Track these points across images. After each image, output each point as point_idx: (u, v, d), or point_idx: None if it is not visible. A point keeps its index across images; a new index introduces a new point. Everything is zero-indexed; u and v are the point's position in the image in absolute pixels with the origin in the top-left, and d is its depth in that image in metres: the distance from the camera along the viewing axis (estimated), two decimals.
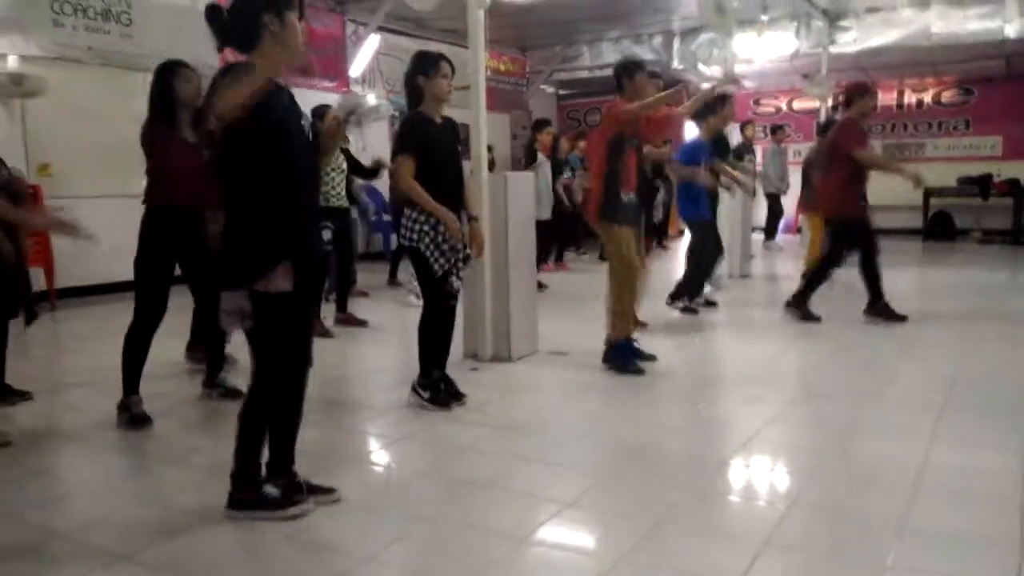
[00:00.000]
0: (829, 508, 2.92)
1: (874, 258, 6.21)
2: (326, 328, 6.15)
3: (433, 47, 12.48)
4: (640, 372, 4.79)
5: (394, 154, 3.99)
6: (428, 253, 3.96)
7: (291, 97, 2.81)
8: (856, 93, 6.32)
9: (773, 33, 11.00)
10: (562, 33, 13.18)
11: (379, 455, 3.73)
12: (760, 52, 10.85)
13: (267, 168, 2.66)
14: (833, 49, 11.71)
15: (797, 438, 3.78)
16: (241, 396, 3.95)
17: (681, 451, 3.62)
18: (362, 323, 6.48)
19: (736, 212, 8.88)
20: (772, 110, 15.79)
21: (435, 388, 4.20)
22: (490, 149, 9.86)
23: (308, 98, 8.96)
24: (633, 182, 4.86)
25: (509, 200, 5.13)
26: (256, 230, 2.69)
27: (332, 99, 10.68)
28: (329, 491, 3.01)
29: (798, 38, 12.00)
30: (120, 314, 4.19)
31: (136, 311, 3.95)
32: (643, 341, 5.10)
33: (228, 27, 2.66)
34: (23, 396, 4.37)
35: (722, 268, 7.83)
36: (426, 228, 3.94)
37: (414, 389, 4.22)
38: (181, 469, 3.43)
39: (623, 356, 4.85)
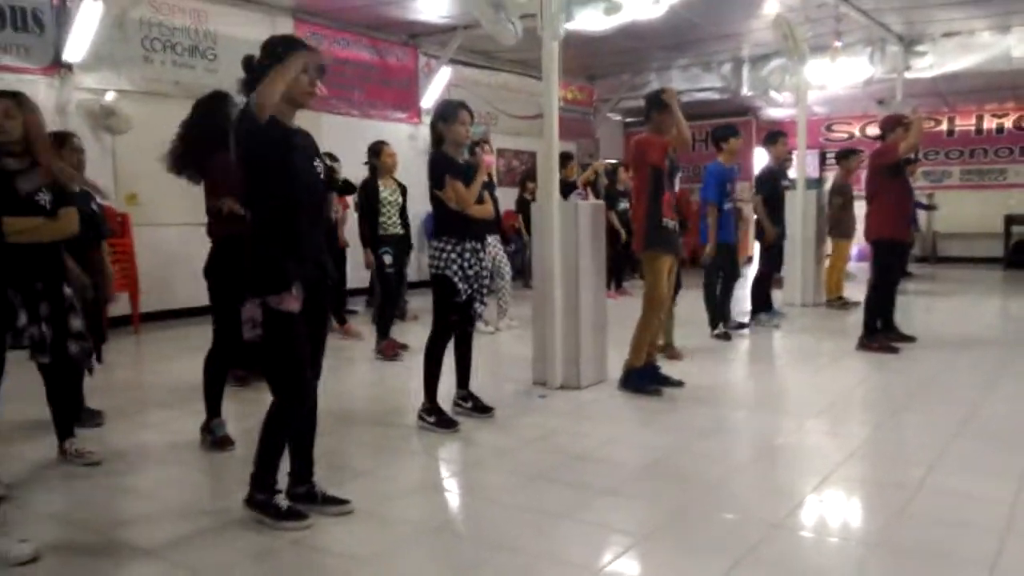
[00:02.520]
0: (916, 548, 2.81)
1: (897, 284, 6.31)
2: (396, 351, 6.40)
3: (503, 78, 12.81)
4: (658, 393, 4.95)
5: (437, 184, 4.23)
6: (456, 279, 4.20)
7: (306, 140, 3.06)
8: (889, 127, 6.23)
9: (847, 58, 10.82)
10: (630, 62, 13.22)
11: (450, 482, 3.75)
12: (833, 78, 10.68)
13: (275, 200, 2.93)
14: (909, 75, 11.46)
15: (879, 473, 3.67)
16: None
17: (758, 485, 3.54)
18: (403, 347, 6.58)
19: (808, 239, 8.72)
20: (845, 135, 15.50)
21: (439, 411, 4.35)
22: (533, 179, 9.94)
23: (380, 130, 9.23)
24: (674, 209, 5.04)
25: (580, 228, 5.15)
26: (272, 258, 2.94)
27: (404, 130, 10.99)
28: (343, 502, 3.17)
29: (872, 63, 11.78)
30: (200, 337, 4.33)
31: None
32: (701, 369, 5.03)
33: (255, 78, 2.94)
34: (98, 418, 4.49)
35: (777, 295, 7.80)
36: (453, 255, 4.22)
37: (420, 416, 4.37)
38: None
39: (640, 381, 5.00)
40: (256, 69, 2.96)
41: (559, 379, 5.19)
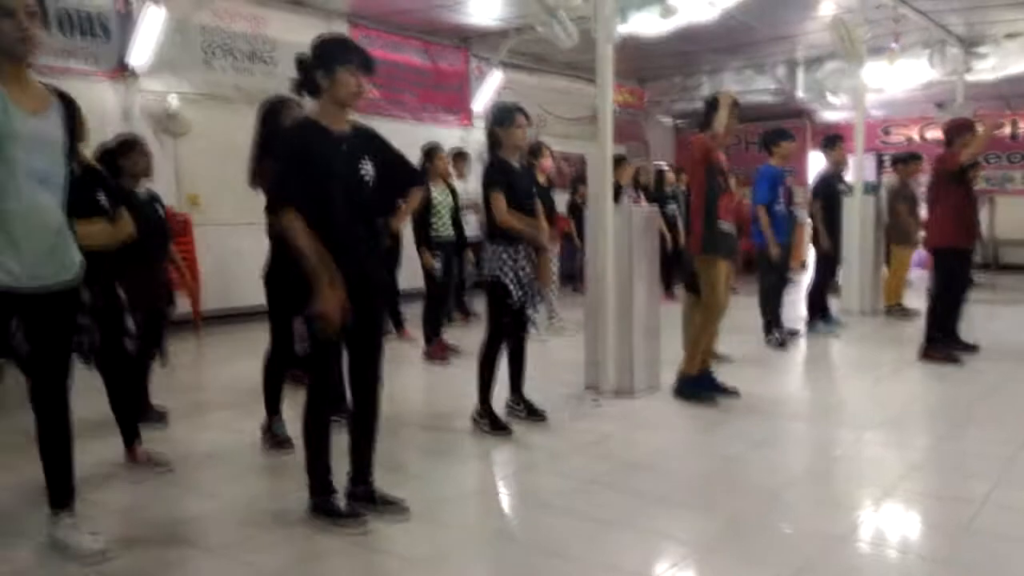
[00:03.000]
0: (979, 564, 2.74)
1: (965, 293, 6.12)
2: (445, 355, 6.47)
3: (553, 81, 12.80)
4: (713, 401, 4.88)
5: (485, 193, 4.27)
6: (509, 284, 4.21)
7: (352, 141, 3.04)
8: (956, 132, 6.03)
9: (905, 61, 10.59)
10: (682, 64, 13.12)
11: (503, 486, 3.77)
12: (892, 81, 10.45)
13: (304, 205, 2.91)
14: (969, 77, 11.17)
15: (941, 486, 3.59)
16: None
17: (817, 497, 3.48)
18: (454, 349, 6.63)
19: (866, 245, 8.55)
20: (903, 139, 15.15)
21: (492, 415, 4.36)
22: (584, 182, 9.87)
23: (431, 134, 9.30)
24: (731, 210, 4.98)
25: (634, 233, 5.13)
26: (302, 272, 2.92)
27: (455, 133, 11.07)
28: (400, 503, 3.18)
29: (932, 66, 11.50)
30: (259, 338, 4.42)
31: (272, 339, 4.15)
32: (756, 377, 4.97)
33: (303, 79, 3.05)
34: (163, 417, 4.61)
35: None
36: (508, 261, 4.23)
37: (474, 420, 4.40)
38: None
39: (695, 388, 4.94)
40: (307, 70, 3.01)
41: (612, 385, 5.17)
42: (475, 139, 11.62)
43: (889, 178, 11.64)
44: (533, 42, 10.00)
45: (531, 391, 4.63)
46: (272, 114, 4.08)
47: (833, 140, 7.58)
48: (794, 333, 7.16)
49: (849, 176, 8.38)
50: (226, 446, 4.24)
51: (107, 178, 3.77)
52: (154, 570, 2.83)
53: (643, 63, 12.74)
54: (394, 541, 3.00)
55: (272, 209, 3.15)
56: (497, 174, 4.27)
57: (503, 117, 4.31)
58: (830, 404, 5.30)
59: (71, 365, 2.85)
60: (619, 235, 5.13)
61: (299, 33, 9.04)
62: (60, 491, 2.88)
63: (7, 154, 2.53)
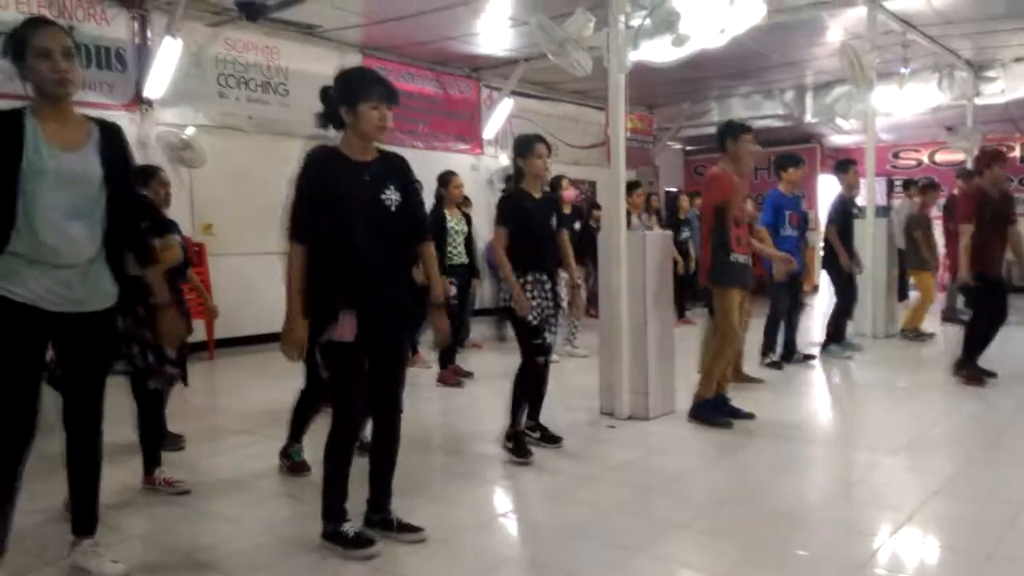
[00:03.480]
0: None
1: (997, 325, 5.95)
2: (458, 379, 6.52)
3: (562, 108, 12.90)
4: (728, 425, 4.87)
5: (495, 226, 4.36)
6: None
7: (376, 169, 3.06)
8: (986, 163, 6.02)
9: (915, 85, 10.63)
10: (691, 90, 13.21)
11: (521, 512, 3.75)
12: (901, 105, 10.49)
13: (323, 234, 2.95)
14: (979, 100, 11.21)
15: (968, 511, 3.53)
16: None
17: (839, 523, 3.43)
18: (468, 374, 6.68)
19: (879, 269, 8.53)
20: (913, 163, 15.17)
21: (518, 439, 4.34)
22: (598, 207, 9.89)
23: (444, 162, 9.38)
24: (746, 242, 4.98)
25: (647, 258, 5.14)
26: (315, 286, 2.98)
27: (466, 160, 11.16)
28: (417, 530, 3.20)
29: (941, 90, 11.55)
30: (271, 363, 4.43)
31: (307, 368, 4.13)
32: (772, 402, 4.94)
33: (328, 112, 3.07)
34: (179, 442, 4.64)
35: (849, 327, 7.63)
36: (523, 285, 4.25)
37: (504, 441, 4.42)
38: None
39: (711, 412, 4.93)
40: (332, 103, 3.03)
41: (627, 410, 5.16)
42: (486, 166, 11.71)
43: (904, 203, 11.60)
44: (543, 70, 10.09)
45: (546, 415, 4.63)
46: None
47: (846, 164, 7.58)
48: (809, 357, 7.12)
49: (860, 200, 8.37)
50: (244, 471, 4.25)
51: (151, 205, 3.89)
52: None
53: (652, 89, 12.83)
54: (412, 568, 2.99)
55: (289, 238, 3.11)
56: (508, 209, 4.33)
57: (523, 148, 4.38)
58: (847, 428, 5.26)
59: (104, 389, 2.87)
60: (632, 260, 5.15)
61: (312, 64, 9.20)
62: (85, 516, 2.89)
63: (33, 190, 2.55)
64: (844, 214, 7.43)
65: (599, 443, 4.67)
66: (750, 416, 5.01)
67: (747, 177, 5.15)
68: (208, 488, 3.95)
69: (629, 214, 8.80)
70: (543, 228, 4.39)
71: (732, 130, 5.03)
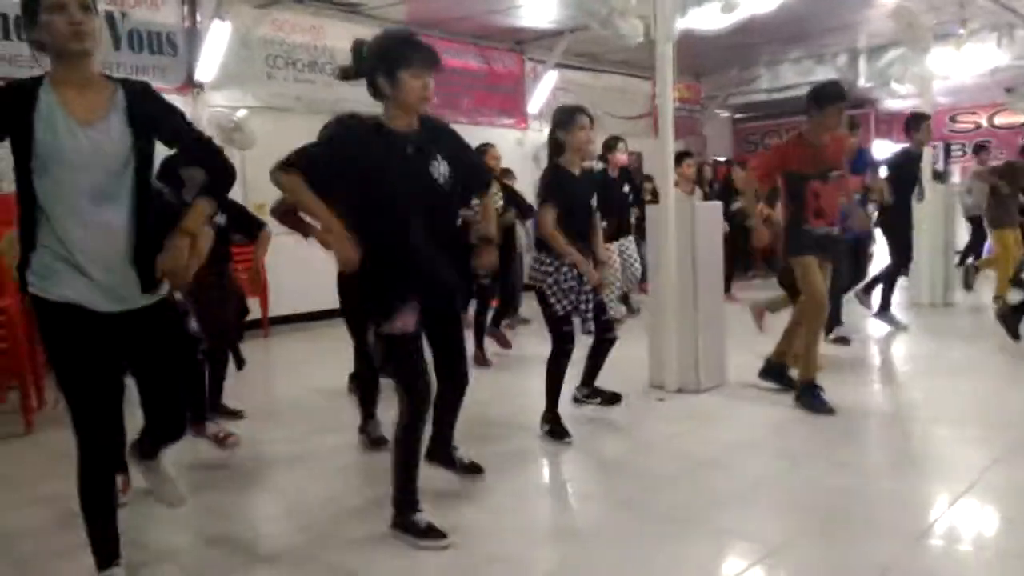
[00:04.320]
0: None
1: None
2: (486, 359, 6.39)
3: (608, 80, 12.76)
4: (831, 411, 4.52)
5: (539, 203, 4.20)
6: (550, 293, 4.12)
7: (419, 141, 2.92)
8: None
9: (973, 45, 10.26)
10: (739, 57, 12.94)
11: (573, 486, 3.79)
12: (958, 67, 10.14)
13: (367, 214, 2.83)
14: None
15: None
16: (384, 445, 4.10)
17: (895, 495, 3.39)
18: (507, 344, 6.66)
19: (936, 235, 8.31)
20: (971, 126, 14.70)
21: (554, 422, 4.27)
22: (650, 179, 9.79)
23: (488, 136, 9.33)
24: (830, 212, 4.67)
25: (697, 229, 5.10)
26: (376, 280, 2.86)
27: (511, 135, 11.12)
28: (479, 470, 3.32)
29: (1000, 49, 11.14)
30: (325, 339, 4.51)
31: (356, 346, 4.22)
32: (825, 374, 4.85)
33: (360, 73, 2.94)
34: (238, 415, 4.79)
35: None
36: (550, 270, 4.13)
37: (577, 400, 4.52)
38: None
39: (814, 395, 4.62)
40: (364, 62, 2.90)
41: (676, 382, 5.15)
42: (531, 141, 11.67)
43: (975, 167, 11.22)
44: (587, 41, 9.99)
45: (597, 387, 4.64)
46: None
47: (919, 119, 7.13)
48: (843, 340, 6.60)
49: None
50: (301, 448, 4.34)
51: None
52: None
53: (700, 57, 12.61)
54: (473, 537, 3.04)
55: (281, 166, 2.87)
56: (551, 186, 4.15)
57: (565, 119, 4.15)
58: (903, 400, 5.18)
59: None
60: (681, 231, 5.11)
61: None
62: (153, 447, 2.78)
63: (55, 175, 2.27)
64: (903, 166, 7.04)
65: (648, 416, 4.68)
66: (831, 411, 4.65)
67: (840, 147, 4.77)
68: (265, 464, 4.06)
69: (677, 185, 8.74)
70: (582, 208, 4.22)
71: (823, 97, 4.59)
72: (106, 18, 7.56)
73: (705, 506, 3.30)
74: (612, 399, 4.58)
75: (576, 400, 4.62)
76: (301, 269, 8.23)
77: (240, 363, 4.69)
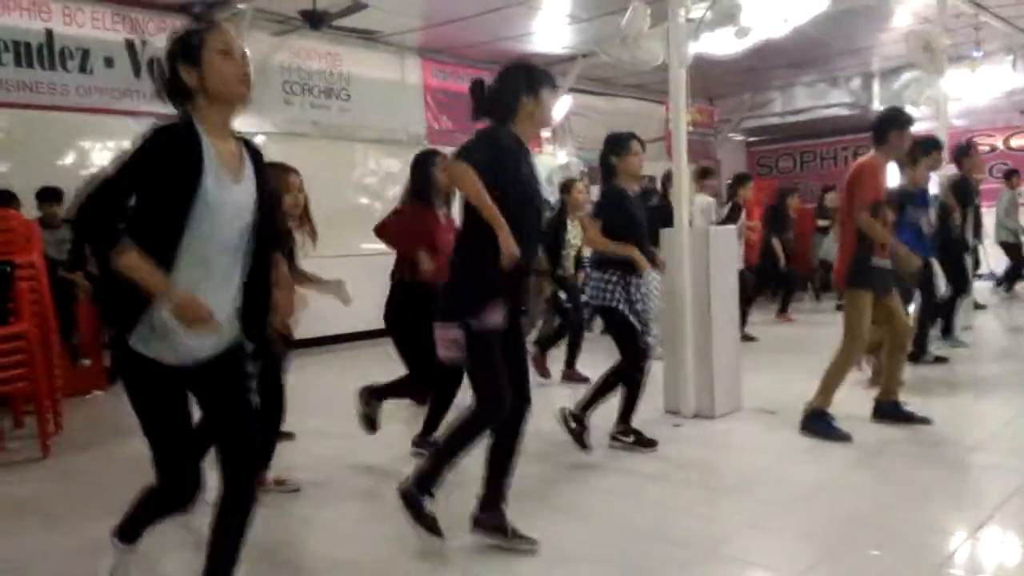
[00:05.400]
0: None
1: None
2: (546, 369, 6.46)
3: (622, 104, 12.82)
4: (847, 438, 4.45)
5: (591, 218, 4.40)
6: (623, 308, 4.20)
7: (532, 159, 3.11)
8: None
9: (988, 67, 10.24)
10: (752, 81, 12.99)
11: (588, 511, 3.75)
12: (974, 89, 10.12)
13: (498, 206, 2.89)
14: None
15: None
16: None
17: (915, 522, 3.35)
18: (584, 379, 6.49)
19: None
20: (987, 148, 14.61)
21: (636, 432, 4.38)
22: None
23: None
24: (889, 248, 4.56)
25: (711, 253, 5.09)
26: (475, 270, 2.96)
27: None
28: (530, 541, 3.14)
29: (1015, 71, 11.11)
30: (351, 361, 4.53)
31: (411, 375, 4.31)
32: (843, 397, 4.80)
33: (487, 102, 3.06)
34: (289, 437, 4.76)
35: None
36: (619, 287, 4.22)
37: (614, 437, 4.46)
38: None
39: (826, 424, 4.54)
40: (507, 94, 3.03)
41: (692, 408, 5.12)
42: (545, 164, 11.72)
43: (1004, 192, 11.12)
44: (601, 66, 10.05)
45: (609, 414, 4.60)
46: (420, 165, 4.38)
47: (968, 147, 7.12)
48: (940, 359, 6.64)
49: (934, 188, 8.03)
50: (338, 467, 4.32)
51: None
52: None
53: (713, 81, 12.67)
54: (476, 561, 3.02)
55: (456, 158, 2.97)
56: (608, 205, 4.34)
57: (617, 146, 4.31)
58: (924, 425, 5.10)
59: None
60: (695, 256, 5.11)
61: (373, 69, 9.37)
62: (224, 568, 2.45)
63: (204, 225, 2.19)
64: (964, 194, 7.00)
65: (665, 442, 4.62)
66: (925, 421, 4.70)
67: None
68: (307, 485, 4.05)
69: (741, 208, 8.66)
70: (642, 227, 4.37)
71: (901, 121, 4.51)
72: (127, 46, 7.71)
73: (721, 533, 3.27)
74: (648, 443, 4.46)
75: (613, 438, 4.53)
76: (320, 294, 8.31)
77: None
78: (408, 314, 4.26)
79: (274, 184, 3.11)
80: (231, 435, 2.40)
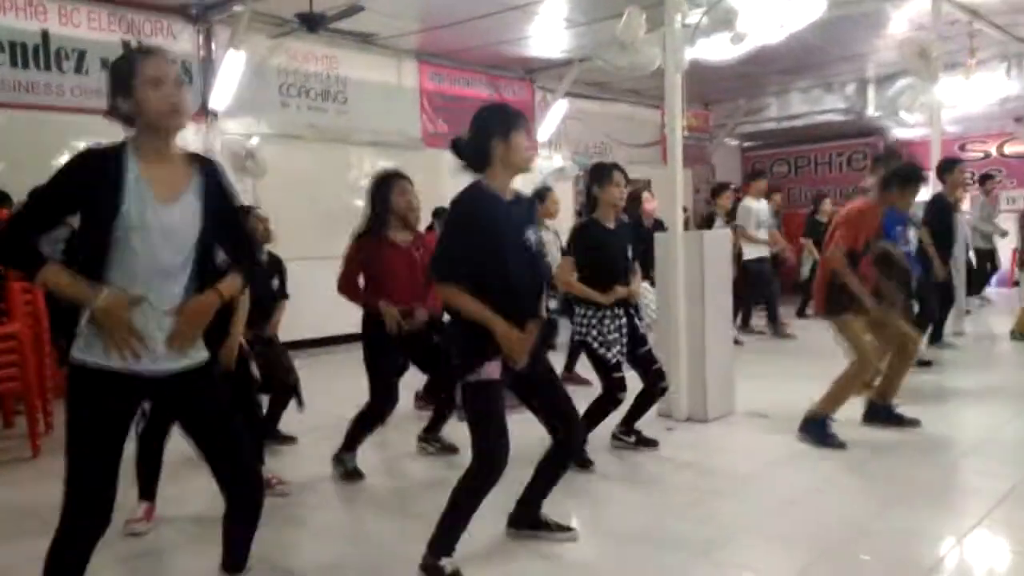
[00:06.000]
0: None
1: None
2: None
3: (618, 108, 12.85)
4: (842, 446, 4.46)
5: (562, 255, 4.44)
6: (596, 345, 4.25)
7: (518, 206, 3.02)
8: None
9: (982, 75, 10.29)
10: (748, 86, 13.02)
11: (582, 516, 3.75)
12: (968, 96, 10.17)
13: (476, 272, 2.87)
14: None
15: None
16: (455, 452, 4.23)
17: (903, 528, 3.36)
18: (585, 382, 6.57)
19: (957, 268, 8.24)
20: (980, 155, 14.68)
21: (638, 432, 4.48)
22: (684, 210, 9.77)
23: None
24: (870, 280, 4.60)
25: (705, 259, 5.11)
26: (465, 329, 2.91)
27: None
28: (568, 529, 3.28)
29: (1009, 79, 11.18)
30: (328, 366, 4.52)
31: (371, 398, 4.20)
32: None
33: (465, 155, 3.03)
34: (291, 440, 4.92)
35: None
36: (593, 322, 4.26)
37: (616, 437, 4.55)
38: (393, 520, 3.66)
39: (824, 431, 4.55)
40: (481, 140, 2.98)
41: (685, 412, 5.13)
42: (541, 169, 11.73)
43: (979, 197, 11.19)
44: (597, 71, 10.07)
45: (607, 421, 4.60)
46: (376, 188, 4.29)
47: (952, 164, 7.14)
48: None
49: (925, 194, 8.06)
50: (312, 474, 4.33)
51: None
52: None
53: (709, 86, 12.70)
54: (489, 573, 3.03)
55: (438, 278, 2.97)
56: (577, 241, 4.36)
57: (600, 176, 4.30)
58: (913, 431, 5.12)
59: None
60: (689, 261, 5.12)
61: (370, 71, 9.38)
62: (239, 555, 2.61)
63: (132, 246, 2.23)
64: (941, 216, 6.95)
65: (657, 446, 4.65)
66: (915, 423, 4.79)
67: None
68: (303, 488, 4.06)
69: (715, 216, 8.73)
70: (618, 261, 4.33)
71: (909, 177, 4.63)
72: (123, 47, 7.69)
73: (712, 537, 3.27)
74: (648, 443, 4.55)
75: (615, 437, 4.59)
76: (308, 295, 8.30)
77: (300, 403, 4.73)
78: (374, 339, 4.20)
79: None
80: (223, 446, 2.43)
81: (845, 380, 4.58)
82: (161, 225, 2.25)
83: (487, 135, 2.96)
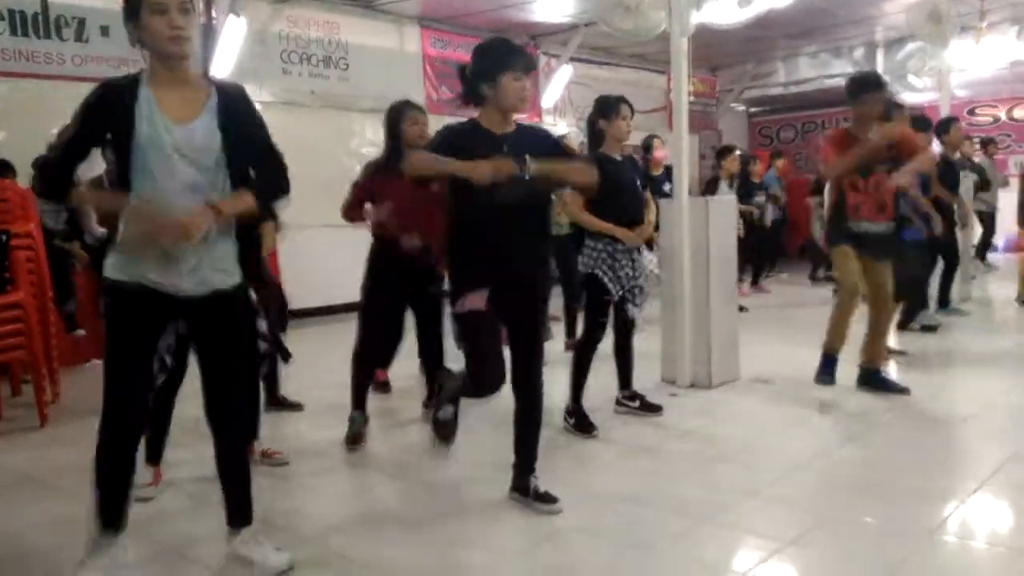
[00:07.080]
0: None
1: None
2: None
3: (623, 73, 12.71)
4: (905, 391, 4.70)
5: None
6: (605, 278, 4.18)
7: (515, 142, 3.02)
8: None
9: (992, 38, 10.13)
10: (755, 51, 12.86)
11: (586, 482, 3.77)
12: (977, 60, 10.02)
13: (460, 208, 3.01)
14: None
15: None
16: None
17: (908, 490, 3.35)
18: None
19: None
20: (989, 119, 14.52)
21: (580, 415, 4.29)
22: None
23: None
24: (883, 209, 4.61)
25: (711, 224, 5.07)
26: (452, 262, 3.11)
27: None
28: (552, 500, 3.22)
29: (1020, 42, 10.99)
30: (340, 334, 4.53)
31: (360, 334, 4.21)
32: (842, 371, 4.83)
33: (464, 94, 3.08)
34: (298, 407, 4.91)
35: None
36: (604, 255, 4.19)
37: (564, 417, 4.34)
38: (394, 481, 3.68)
39: (877, 378, 4.77)
40: (470, 81, 3.01)
41: (688, 378, 5.13)
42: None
43: (983, 160, 11.09)
44: (602, 35, 9.94)
45: (607, 384, 4.61)
46: (389, 116, 4.22)
47: (947, 123, 7.14)
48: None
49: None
50: (323, 440, 4.32)
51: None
52: None
53: (715, 51, 12.53)
54: (465, 532, 3.05)
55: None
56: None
57: (606, 109, 4.21)
58: (918, 395, 5.12)
59: (243, 378, 2.73)
60: (694, 226, 5.09)
61: (372, 37, 9.27)
62: (240, 507, 2.74)
63: (151, 167, 2.38)
64: (943, 175, 6.83)
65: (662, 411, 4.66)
66: (903, 391, 4.75)
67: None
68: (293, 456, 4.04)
69: (718, 180, 8.67)
70: (627, 192, 4.26)
71: (864, 85, 4.59)
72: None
73: (717, 501, 3.28)
74: (653, 408, 4.53)
75: (619, 403, 4.59)
76: (312, 263, 8.31)
77: (286, 356, 4.70)
78: (380, 272, 4.19)
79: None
80: (218, 378, 2.62)
81: (835, 311, 4.74)
82: (176, 144, 2.40)
83: (476, 77, 3.00)
